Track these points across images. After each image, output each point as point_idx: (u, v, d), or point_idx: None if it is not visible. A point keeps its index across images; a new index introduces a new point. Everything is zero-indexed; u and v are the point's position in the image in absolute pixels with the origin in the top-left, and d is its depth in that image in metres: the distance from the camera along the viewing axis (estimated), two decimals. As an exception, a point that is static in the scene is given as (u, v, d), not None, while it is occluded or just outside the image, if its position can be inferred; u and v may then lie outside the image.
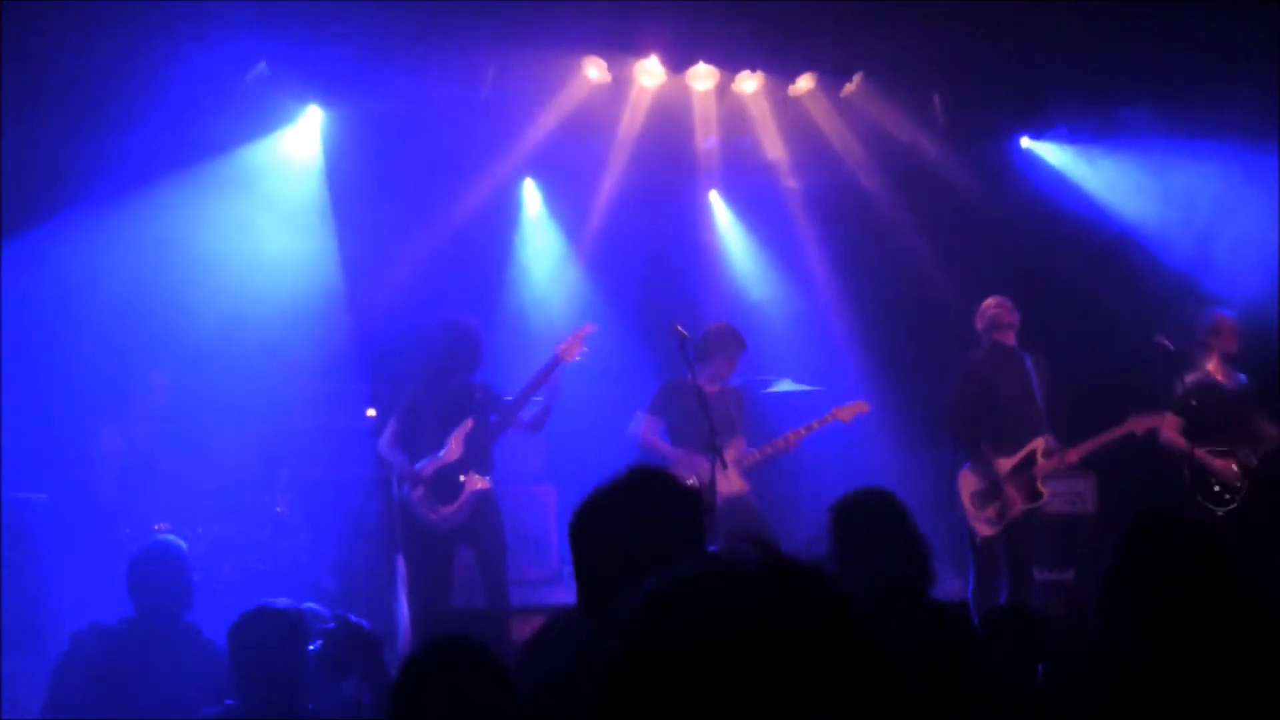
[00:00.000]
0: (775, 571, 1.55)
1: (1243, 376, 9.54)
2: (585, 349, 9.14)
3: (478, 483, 9.04)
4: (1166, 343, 9.55)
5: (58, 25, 8.63)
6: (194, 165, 9.90)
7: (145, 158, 9.58)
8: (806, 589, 1.54)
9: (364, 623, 5.41)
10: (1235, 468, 9.30)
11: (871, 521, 4.66)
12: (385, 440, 9.23)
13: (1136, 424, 9.30)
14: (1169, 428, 9.39)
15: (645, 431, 9.43)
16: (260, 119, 10.16)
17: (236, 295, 9.96)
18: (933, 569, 4.70)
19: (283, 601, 5.05)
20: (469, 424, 9.04)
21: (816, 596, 1.54)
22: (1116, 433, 9.32)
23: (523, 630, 8.85)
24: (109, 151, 9.48)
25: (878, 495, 4.83)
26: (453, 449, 9.02)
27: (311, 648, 4.99)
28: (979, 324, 9.44)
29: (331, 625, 5.40)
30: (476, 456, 9.07)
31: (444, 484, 9.00)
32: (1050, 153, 11.30)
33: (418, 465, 9.04)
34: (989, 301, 9.45)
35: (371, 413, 10.00)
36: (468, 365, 9.14)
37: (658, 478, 3.15)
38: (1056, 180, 11.17)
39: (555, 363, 9.08)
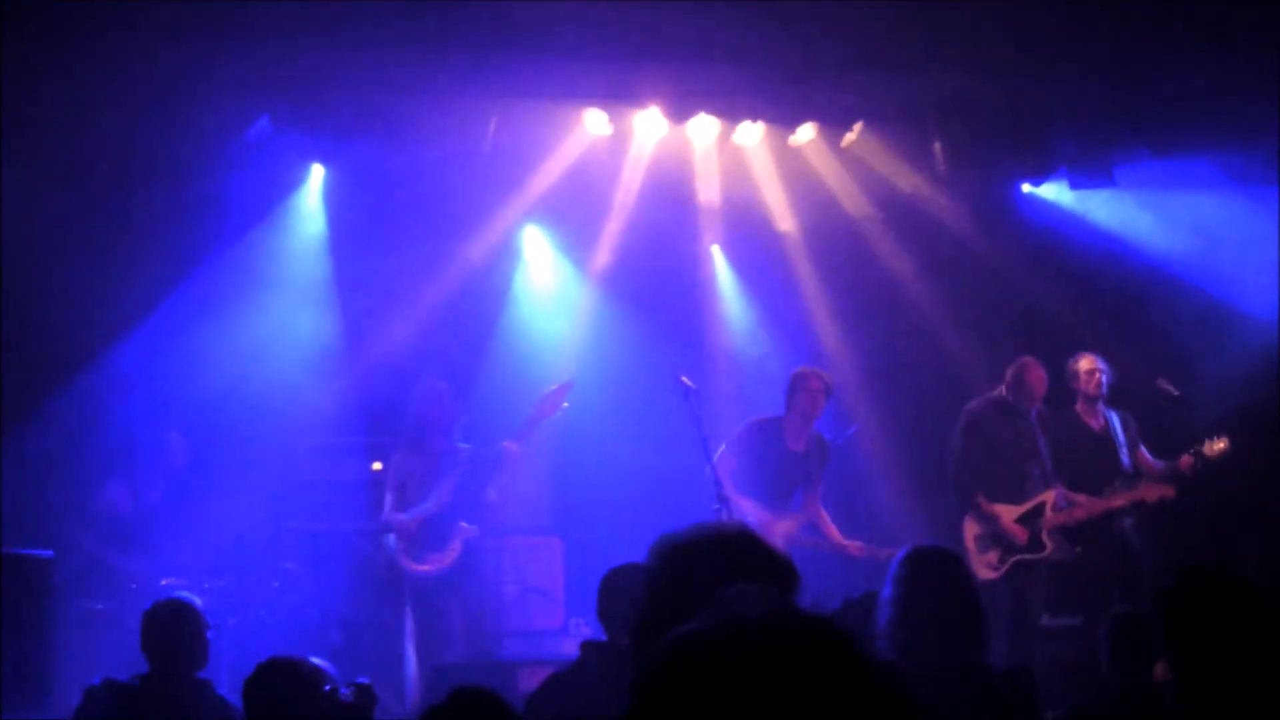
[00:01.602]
0: (782, 622, 1.57)
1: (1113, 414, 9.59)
2: (566, 404, 9.17)
3: (466, 530, 9.08)
4: (1170, 388, 9.58)
5: (61, 91, 8.71)
6: (201, 230, 9.94)
7: (151, 221, 9.64)
8: (813, 639, 1.56)
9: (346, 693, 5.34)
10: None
11: (939, 580, 4.62)
12: (385, 510, 9.29)
13: (1148, 491, 9.33)
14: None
15: (720, 466, 9.39)
16: (266, 183, 10.18)
17: (242, 351, 9.99)
18: (986, 632, 4.67)
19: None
20: (455, 477, 9.10)
21: (824, 647, 1.55)
22: (1127, 499, 9.35)
23: (529, 683, 8.83)
24: (114, 214, 9.55)
25: (947, 554, 4.82)
26: (441, 497, 9.06)
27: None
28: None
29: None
30: (466, 507, 9.11)
31: (432, 532, 9.05)
32: (1051, 198, 11.32)
33: (407, 514, 9.11)
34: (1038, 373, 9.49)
35: (377, 466, 10.01)
36: (444, 429, 9.21)
37: None
38: (1058, 226, 11.19)
39: (536, 420, 9.12)
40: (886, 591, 4.62)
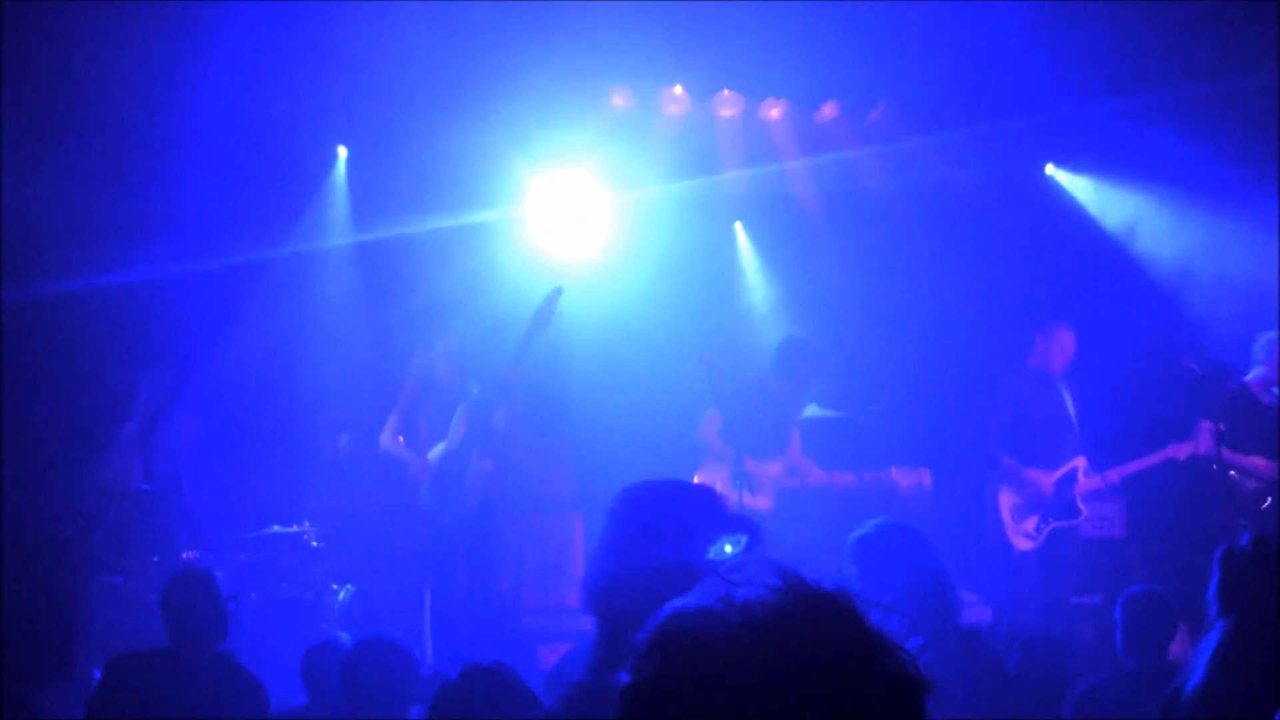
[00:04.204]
0: (788, 598, 1.54)
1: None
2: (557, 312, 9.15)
3: (482, 464, 9.11)
4: (1194, 366, 9.53)
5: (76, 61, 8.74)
6: (225, 209, 9.98)
7: (175, 198, 9.67)
8: (820, 613, 1.54)
9: None
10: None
11: (891, 554, 4.65)
12: (386, 434, 9.40)
13: (1176, 450, 9.31)
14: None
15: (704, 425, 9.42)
16: (291, 165, 10.20)
17: (264, 330, 10.02)
18: (953, 599, 4.70)
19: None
20: (466, 407, 9.16)
21: (832, 621, 1.53)
22: (1156, 457, 9.33)
23: (548, 660, 8.87)
24: (132, 189, 9.58)
25: (897, 529, 4.84)
26: (455, 433, 9.12)
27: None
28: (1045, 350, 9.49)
29: None
30: (478, 440, 9.16)
31: (449, 470, 9.10)
32: (1075, 179, 11.28)
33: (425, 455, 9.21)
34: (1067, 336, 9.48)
35: (399, 440, 10.04)
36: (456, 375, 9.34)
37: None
38: (1081, 206, 11.15)
39: (531, 335, 9.10)
40: (850, 572, 4.64)
